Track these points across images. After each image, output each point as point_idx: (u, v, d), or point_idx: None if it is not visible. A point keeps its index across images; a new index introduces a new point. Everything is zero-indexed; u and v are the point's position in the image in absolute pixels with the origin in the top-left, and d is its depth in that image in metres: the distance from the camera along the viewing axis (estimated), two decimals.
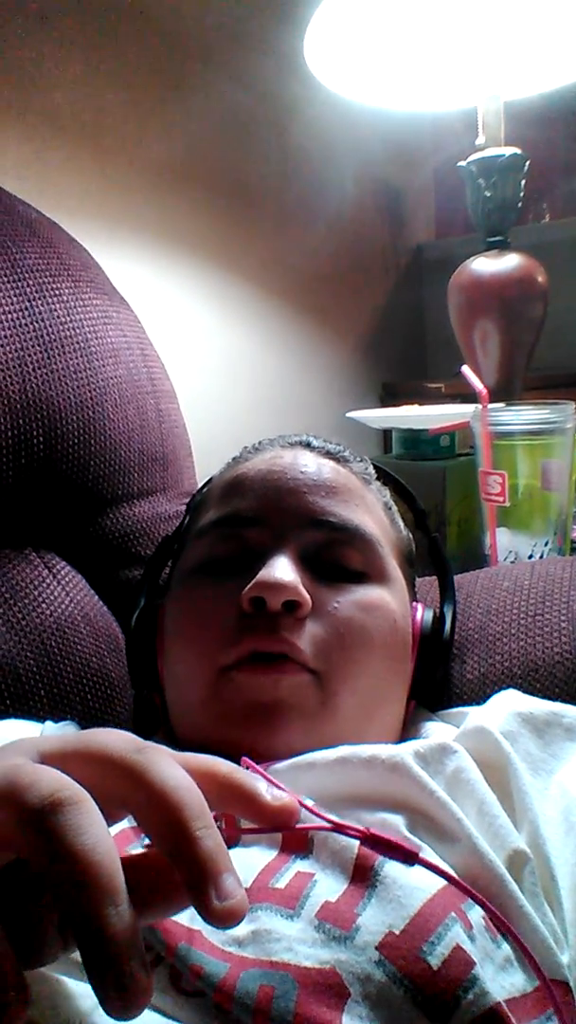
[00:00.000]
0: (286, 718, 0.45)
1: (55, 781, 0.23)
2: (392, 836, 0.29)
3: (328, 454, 0.55)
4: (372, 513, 0.54)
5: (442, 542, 0.63)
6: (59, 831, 0.22)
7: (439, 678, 0.57)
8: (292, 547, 0.49)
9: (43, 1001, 0.30)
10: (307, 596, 0.46)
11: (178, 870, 0.23)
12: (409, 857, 0.29)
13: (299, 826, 0.27)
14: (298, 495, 0.51)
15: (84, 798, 0.23)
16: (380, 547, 0.52)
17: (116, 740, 0.26)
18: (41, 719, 0.53)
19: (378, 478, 0.60)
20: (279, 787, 0.27)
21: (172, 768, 0.25)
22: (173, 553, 0.58)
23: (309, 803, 0.39)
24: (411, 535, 0.61)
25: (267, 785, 0.27)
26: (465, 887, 0.30)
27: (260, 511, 0.50)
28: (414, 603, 0.57)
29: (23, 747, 0.27)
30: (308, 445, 0.56)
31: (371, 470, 0.59)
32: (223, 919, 0.22)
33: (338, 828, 0.28)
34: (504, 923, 0.31)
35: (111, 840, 0.23)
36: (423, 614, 0.56)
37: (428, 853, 0.38)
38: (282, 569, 0.46)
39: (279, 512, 0.50)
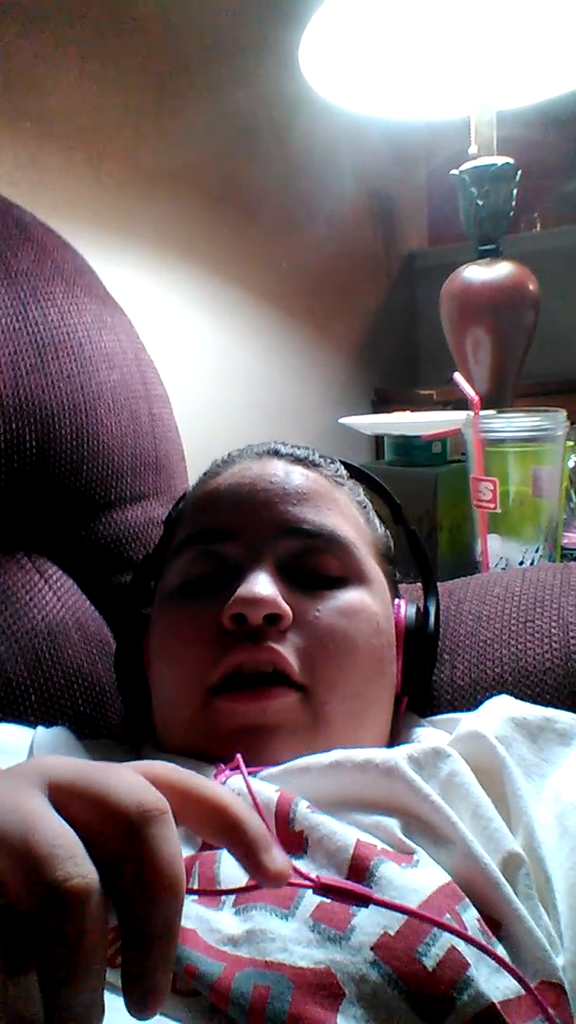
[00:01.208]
0: (276, 739, 0.45)
1: (71, 862, 0.22)
2: (342, 882, 0.29)
3: (296, 460, 0.55)
4: (345, 515, 0.54)
5: (432, 545, 0.63)
6: (66, 925, 0.22)
7: (428, 672, 0.57)
8: (268, 559, 0.49)
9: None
10: (287, 608, 0.46)
11: (127, 944, 0.23)
12: (361, 900, 0.29)
13: (249, 883, 0.27)
14: (269, 505, 0.51)
15: (93, 888, 0.22)
16: (356, 549, 0.52)
17: (126, 788, 0.25)
18: (32, 724, 0.53)
19: (351, 477, 0.60)
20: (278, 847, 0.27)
21: (169, 848, 0.24)
22: (154, 570, 0.59)
23: (304, 804, 0.39)
24: (388, 532, 0.61)
25: (273, 844, 0.27)
26: (428, 917, 0.30)
27: (233, 525, 0.50)
28: (396, 600, 0.57)
29: (31, 772, 0.26)
30: (276, 453, 0.56)
31: (342, 471, 0.58)
32: (139, 1012, 0.23)
33: (291, 883, 0.28)
34: (476, 941, 0.31)
35: (105, 935, 0.23)
36: (406, 610, 0.56)
37: (422, 856, 0.38)
38: (260, 583, 0.46)
39: (252, 524, 0.50)
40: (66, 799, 0.25)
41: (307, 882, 0.28)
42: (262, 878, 0.26)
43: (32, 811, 0.24)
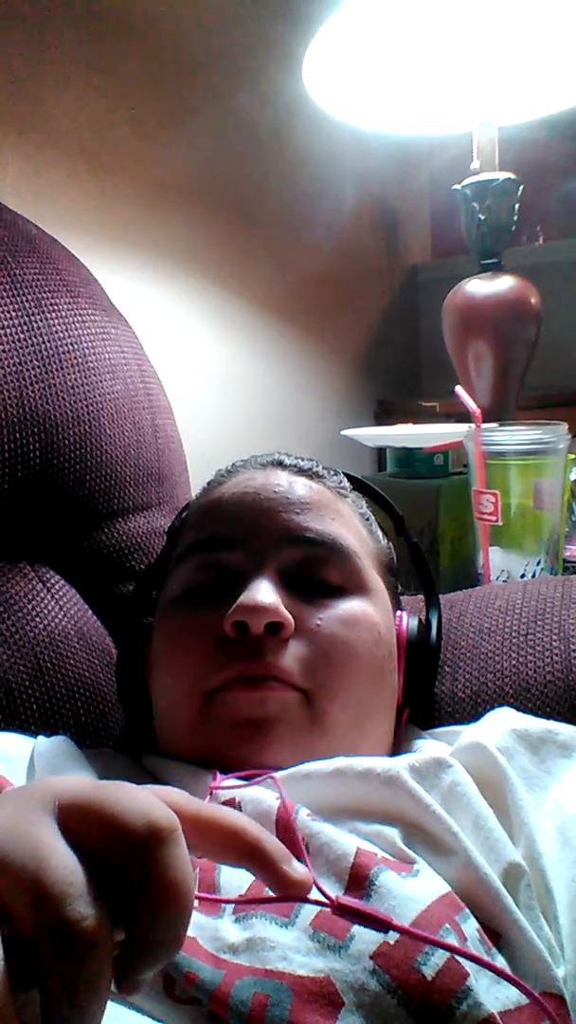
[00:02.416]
0: (276, 734, 0.45)
1: (82, 902, 0.22)
2: (362, 905, 0.29)
3: (300, 471, 0.55)
4: (348, 525, 0.54)
5: (434, 558, 0.63)
6: (74, 962, 0.22)
7: (429, 684, 0.57)
8: (271, 567, 0.49)
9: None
10: (289, 617, 0.46)
11: (127, 951, 0.23)
12: (383, 926, 0.29)
13: (270, 895, 0.27)
14: (273, 514, 0.51)
15: (103, 928, 0.22)
16: (359, 559, 0.52)
17: (135, 806, 0.24)
18: (33, 733, 0.53)
19: (354, 489, 0.60)
20: (302, 859, 0.27)
21: (178, 868, 0.24)
22: (157, 580, 0.59)
23: (304, 811, 0.39)
24: (390, 544, 0.61)
25: (290, 857, 0.27)
26: (423, 935, 0.30)
27: (236, 533, 0.51)
28: (398, 611, 0.57)
29: (41, 794, 0.25)
30: (280, 464, 0.56)
31: (345, 483, 0.59)
32: (126, 994, 0.23)
33: (311, 900, 0.28)
34: (475, 956, 0.31)
35: (110, 965, 0.23)
36: (408, 621, 0.56)
37: (422, 866, 0.38)
38: (262, 591, 0.46)
39: (255, 533, 0.50)
40: (75, 820, 0.24)
41: (328, 904, 0.28)
42: (287, 890, 0.26)
43: (43, 842, 0.23)
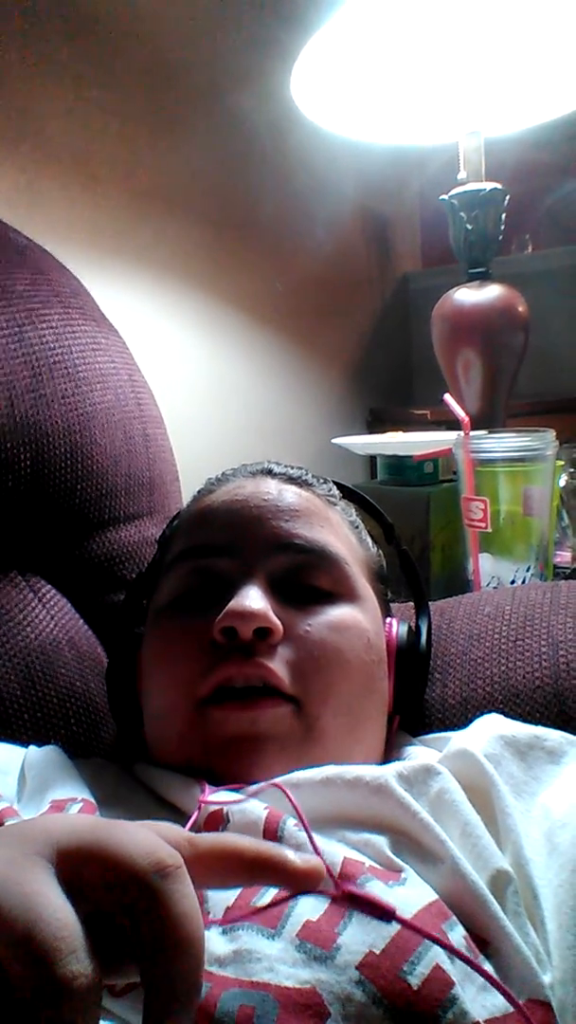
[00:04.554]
0: (268, 751, 0.45)
1: (74, 958, 0.22)
2: (370, 894, 0.29)
3: (290, 479, 0.56)
4: (338, 533, 0.54)
5: (424, 565, 0.64)
6: (63, 1018, 0.21)
7: (419, 691, 0.57)
8: (260, 574, 0.49)
9: None
10: (277, 622, 0.46)
11: (151, 996, 0.23)
12: (386, 915, 0.29)
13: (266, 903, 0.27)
14: (262, 521, 0.51)
15: (94, 985, 0.22)
16: (348, 566, 0.52)
17: (138, 845, 0.24)
18: (24, 743, 0.53)
19: (343, 497, 0.61)
20: (314, 845, 0.27)
21: (187, 904, 0.24)
22: (147, 588, 0.59)
23: (292, 821, 0.39)
24: (380, 552, 0.61)
25: (293, 849, 0.28)
26: (421, 929, 0.30)
27: (226, 540, 0.51)
28: (388, 618, 0.58)
29: (38, 838, 0.25)
30: (270, 472, 0.57)
31: (335, 491, 0.59)
32: None
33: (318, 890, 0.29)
34: (465, 956, 0.31)
35: (98, 1018, 0.23)
36: (398, 628, 0.57)
37: (410, 875, 0.38)
38: (251, 597, 0.46)
39: (245, 540, 0.51)
40: (77, 864, 0.24)
41: (335, 892, 0.28)
42: (304, 884, 0.27)
43: (36, 893, 0.23)
